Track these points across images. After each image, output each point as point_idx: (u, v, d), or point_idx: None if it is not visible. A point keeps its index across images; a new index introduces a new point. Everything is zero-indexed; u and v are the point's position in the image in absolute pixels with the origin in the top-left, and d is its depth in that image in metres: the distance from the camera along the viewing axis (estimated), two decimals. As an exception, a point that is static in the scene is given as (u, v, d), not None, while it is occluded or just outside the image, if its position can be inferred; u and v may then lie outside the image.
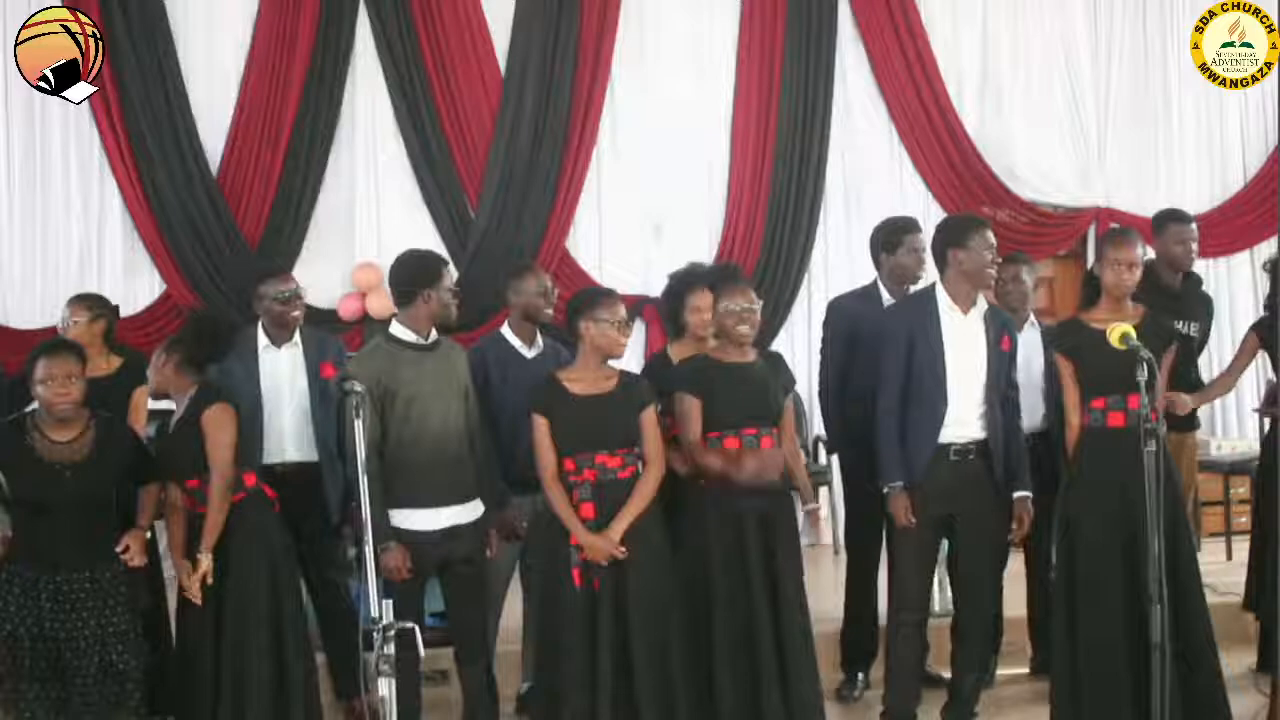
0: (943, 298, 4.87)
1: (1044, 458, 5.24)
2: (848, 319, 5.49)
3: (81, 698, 4.32)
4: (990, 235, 4.89)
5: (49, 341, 4.72)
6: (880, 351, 4.94)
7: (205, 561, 4.46)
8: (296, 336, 5.33)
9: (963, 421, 4.81)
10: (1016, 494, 4.87)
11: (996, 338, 4.88)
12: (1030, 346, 5.55)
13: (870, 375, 5.00)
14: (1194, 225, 5.88)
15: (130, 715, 4.40)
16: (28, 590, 4.35)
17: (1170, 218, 5.92)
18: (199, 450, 4.51)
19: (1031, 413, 5.46)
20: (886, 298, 5.45)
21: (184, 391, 4.62)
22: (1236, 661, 5.66)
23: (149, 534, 4.60)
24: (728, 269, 5.39)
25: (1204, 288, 6.09)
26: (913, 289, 5.37)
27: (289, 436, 5.23)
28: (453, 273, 4.86)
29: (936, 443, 4.78)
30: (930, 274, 5.12)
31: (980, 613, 4.98)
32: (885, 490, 4.83)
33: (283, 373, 5.27)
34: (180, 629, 4.63)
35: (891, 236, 5.53)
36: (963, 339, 4.84)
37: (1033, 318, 5.72)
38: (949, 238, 4.91)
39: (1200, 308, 5.86)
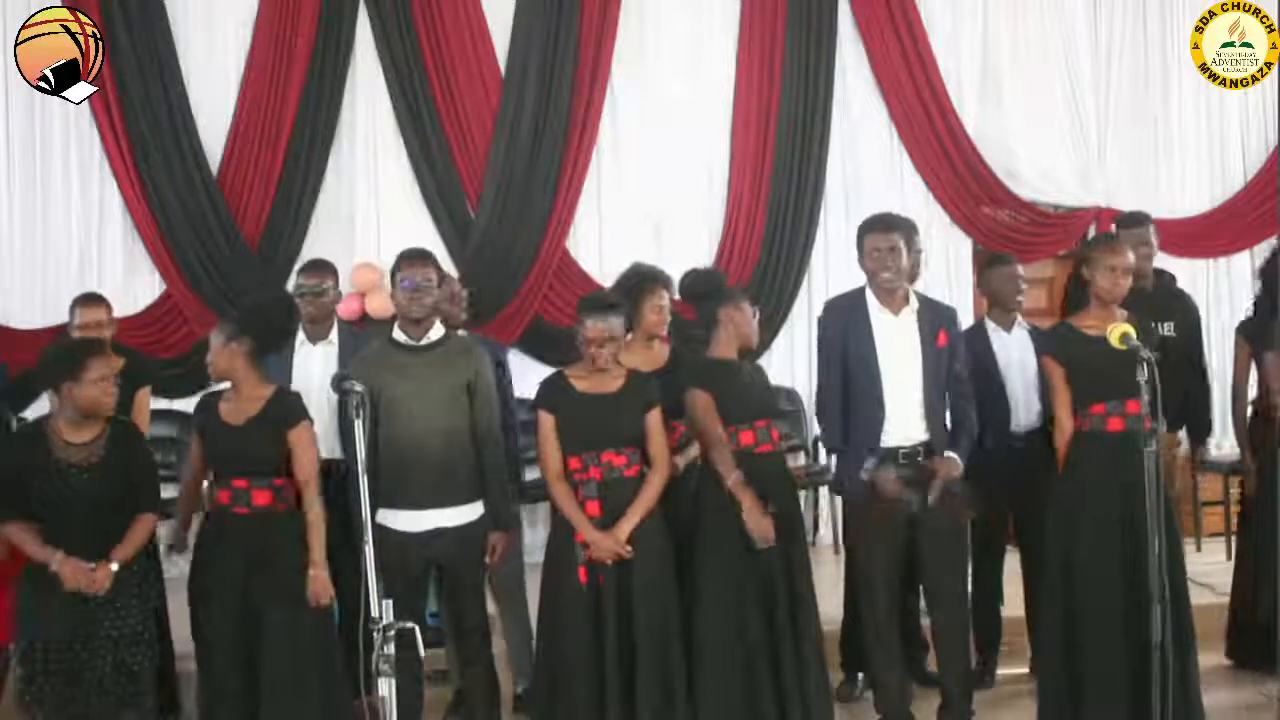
0: (871, 301, 4.86)
1: (1039, 457, 5.26)
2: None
3: (97, 699, 4.31)
4: (881, 238, 4.79)
5: (88, 341, 4.74)
6: (818, 358, 4.98)
7: (325, 575, 4.46)
8: (333, 334, 5.35)
9: (905, 425, 4.78)
10: (946, 453, 4.80)
11: (932, 334, 4.84)
12: (1023, 346, 5.56)
13: None
14: (1150, 227, 5.81)
15: (142, 715, 4.40)
16: (45, 593, 4.32)
17: (1124, 222, 5.91)
18: (267, 455, 4.50)
19: (1028, 410, 5.48)
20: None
21: (248, 383, 4.56)
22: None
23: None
24: (715, 278, 5.36)
25: (1178, 285, 6.06)
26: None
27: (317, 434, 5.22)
28: (412, 268, 4.74)
29: (880, 448, 4.75)
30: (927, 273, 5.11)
31: (950, 612, 4.95)
32: (865, 477, 4.74)
33: (314, 370, 5.26)
34: (206, 631, 4.54)
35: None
36: (895, 340, 4.81)
37: (1019, 318, 5.72)
38: (857, 246, 4.90)
39: (1175, 306, 5.80)
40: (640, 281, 5.10)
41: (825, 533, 7.88)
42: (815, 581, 4.88)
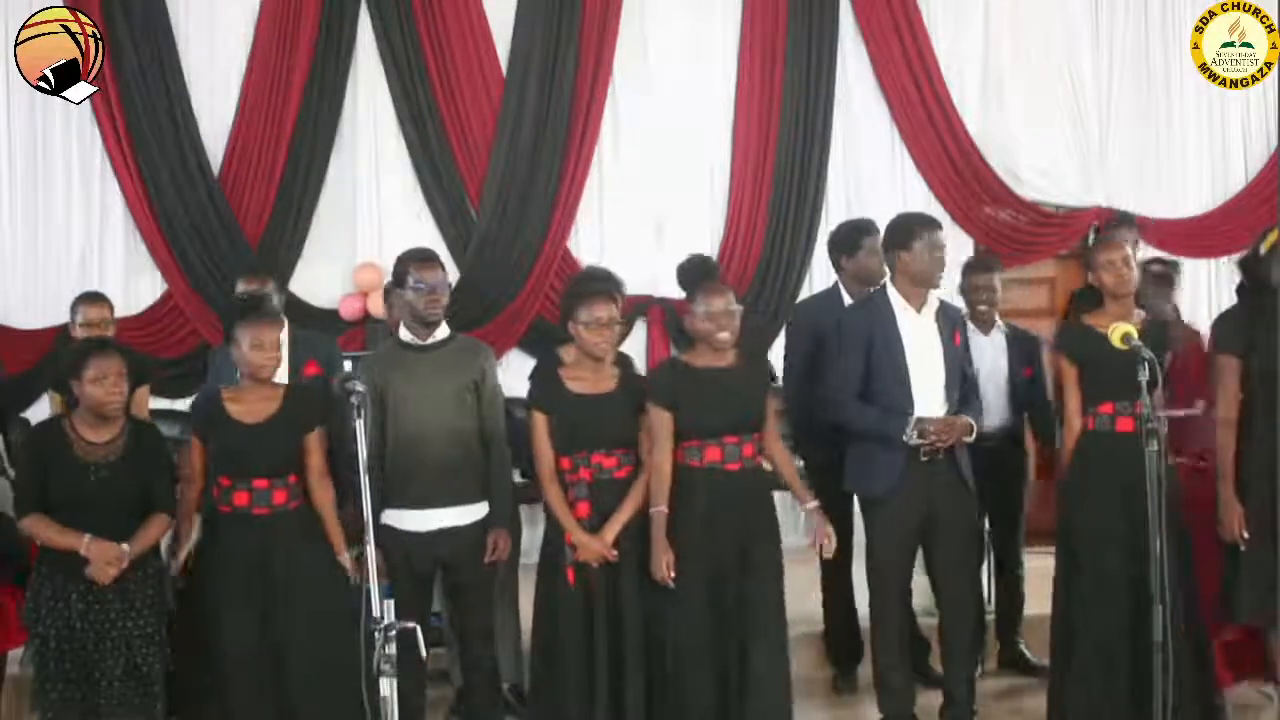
0: (896, 299, 4.86)
1: (1007, 457, 5.25)
2: (812, 323, 5.49)
3: (106, 700, 4.32)
4: (937, 236, 4.86)
5: (92, 340, 4.75)
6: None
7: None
8: (282, 335, 5.33)
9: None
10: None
11: (950, 334, 4.88)
12: (998, 349, 5.58)
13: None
14: (1134, 227, 5.82)
15: (153, 717, 4.41)
16: (58, 593, 4.34)
17: (1110, 224, 5.90)
18: (290, 453, 4.52)
19: (999, 412, 5.52)
20: (848, 300, 5.46)
21: (269, 381, 4.60)
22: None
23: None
24: (701, 266, 5.24)
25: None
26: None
27: None
28: (424, 269, 4.73)
29: (907, 448, 4.75)
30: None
31: (961, 612, 4.95)
32: (907, 438, 4.72)
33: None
34: (219, 634, 4.49)
35: (852, 237, 5.56)
36: (919, 339, 4.83)
37: (999, 321, 5.73)
38: (894, 239, 4.90)
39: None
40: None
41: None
42: (806, 580, 4.84)
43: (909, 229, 4.89)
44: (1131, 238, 5.73)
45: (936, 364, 4.83)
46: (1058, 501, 4.87)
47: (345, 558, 4.53)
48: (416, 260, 4.77)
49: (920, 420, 4.73)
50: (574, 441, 4.57)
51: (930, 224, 4.94)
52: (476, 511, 4.72)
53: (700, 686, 4.52)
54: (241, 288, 5.36)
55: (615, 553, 4.51)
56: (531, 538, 6.41)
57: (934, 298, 4.92)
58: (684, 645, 4.52)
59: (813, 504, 4.76)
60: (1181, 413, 5.00)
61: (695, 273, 5.02)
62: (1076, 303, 4.99)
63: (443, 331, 4.77)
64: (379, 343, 5.87)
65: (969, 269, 5.89)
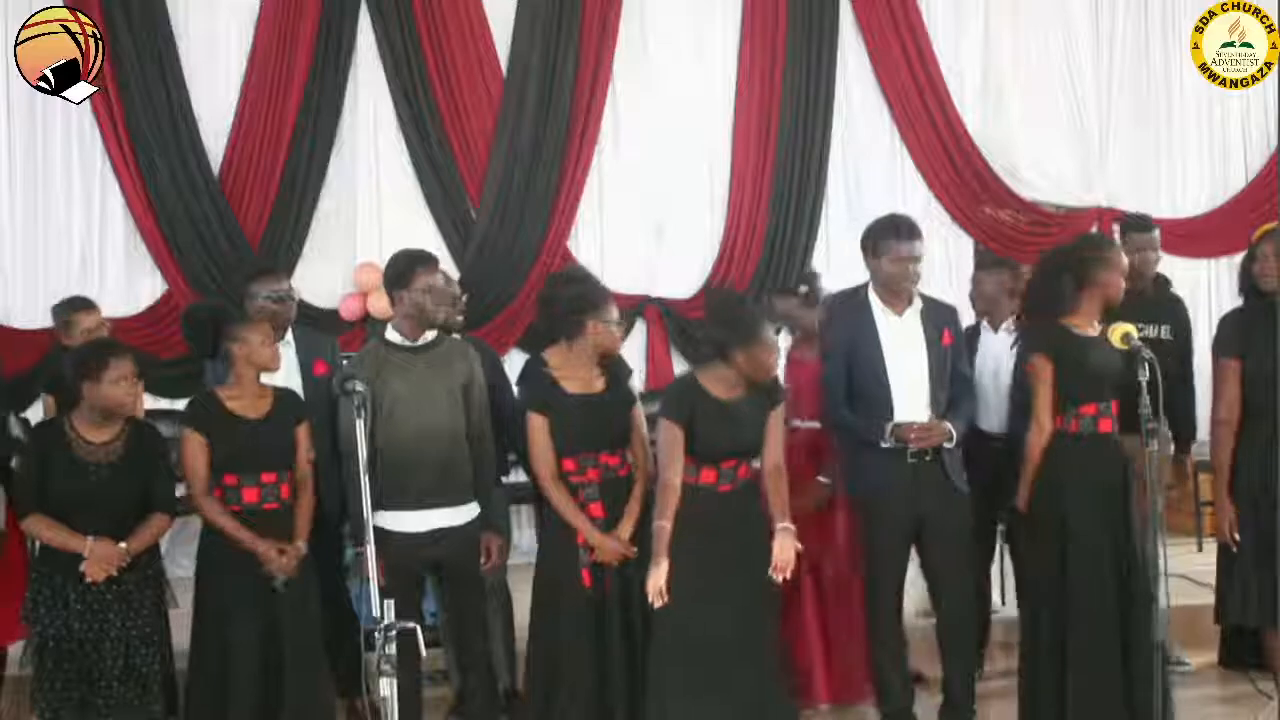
0: (875, 301, 4.85)
1: (1019, 459, 5.24)
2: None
3: (104, 700, 4.32)
4: (904, 247, 4.76)
5: (105, 342, 4.77)
6: (826, 355, 4.93)
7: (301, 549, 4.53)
8: (289, 335, 5.33)
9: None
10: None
11: (937, 333, 4.83)
12: (1004, 348, 5.54)
13: None
14: (1155, 233, 5.77)
15: (152, 717, 4.41)
16: (57, 593, 4.35)
17: (1133, 226, 5.88)
18: (289, 446, 4.55)
19: (999, 413, 5.46)
20: None
21: (259, 380, 4.63)
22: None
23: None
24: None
25: (1172, 289, 6.03)
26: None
27: None
28: (433, 273, 4.73)
29: (890, 450, 4.74)
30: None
31: (956, 611, 4.93)
32: (886, 442, 4.71)
33: (276, 373, 5.26)
34: (211, 634, 4.51)
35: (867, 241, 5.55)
36: (901, 341, 4.80)
37: (1010, 321, 5.70)
38: (865, 245, 4.87)
39: (1169, 309, 5.70)
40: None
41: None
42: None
43: (880, 237, 4.84)
44: (1157, 243, 5.72)
45: (919, 365, 4.79)
46: (1039, 502, 4.77)
47: (301, 544, 4.51)
48: (428, 262, 4.77)
49: (897, 426, 4.72)
50: (579, 442, 4.57)
51: (894, 234, 4.81)
52: (470, 511, 4.71)
53: (744, 681, 4.49)
54: (267, 288, 5.29)
55: (634, 550, 4.50)
56: (522, 538, 6.43)
57: (918, 298, 4.87)
58: (723, 644, 4.46)
59: (783, 525, 4.59)
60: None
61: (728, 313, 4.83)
62: (1036, 299, 4.89)
63: (430, 332, 4.78)
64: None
65: (980, 266, 5.86)
